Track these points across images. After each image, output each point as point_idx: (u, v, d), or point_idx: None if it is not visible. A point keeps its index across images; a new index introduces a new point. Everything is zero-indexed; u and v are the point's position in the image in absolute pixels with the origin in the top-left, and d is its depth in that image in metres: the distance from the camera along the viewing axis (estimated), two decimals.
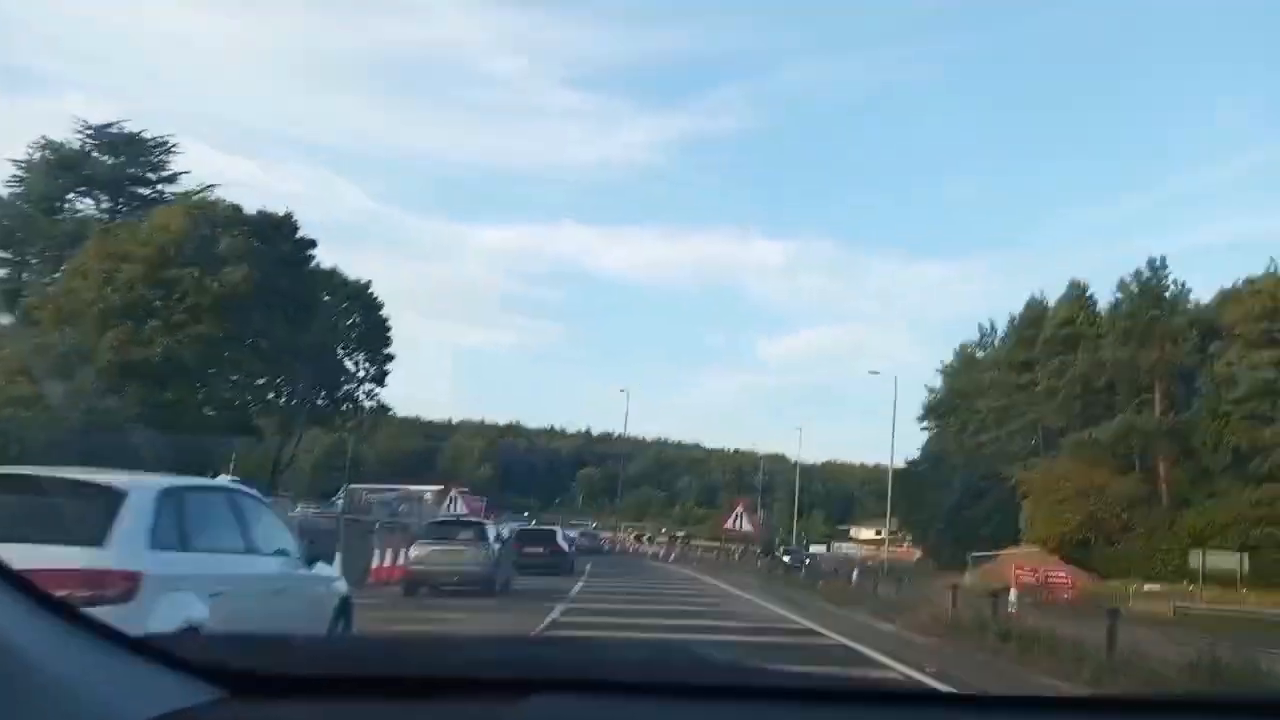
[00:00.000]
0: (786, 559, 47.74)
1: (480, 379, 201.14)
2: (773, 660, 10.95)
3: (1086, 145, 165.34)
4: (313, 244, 42.40)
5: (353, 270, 53.08)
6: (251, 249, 37.39)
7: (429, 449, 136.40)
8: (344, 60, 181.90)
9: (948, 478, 64.15)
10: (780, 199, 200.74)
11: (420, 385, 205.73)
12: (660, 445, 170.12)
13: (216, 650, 1.70)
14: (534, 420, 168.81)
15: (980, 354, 71.05)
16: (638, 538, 79.34)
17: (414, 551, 20.69)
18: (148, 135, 43.77)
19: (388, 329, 49.62)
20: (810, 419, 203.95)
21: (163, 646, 1.56)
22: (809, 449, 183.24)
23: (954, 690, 3.24)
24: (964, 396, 69.81)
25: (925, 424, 73.75)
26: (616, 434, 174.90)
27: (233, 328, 35.49)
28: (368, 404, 49.61)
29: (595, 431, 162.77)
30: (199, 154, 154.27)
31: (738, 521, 37.32)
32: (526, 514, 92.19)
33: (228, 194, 40.33)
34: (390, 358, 49.91)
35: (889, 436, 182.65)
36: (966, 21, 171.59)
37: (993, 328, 71.83)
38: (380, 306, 49.22)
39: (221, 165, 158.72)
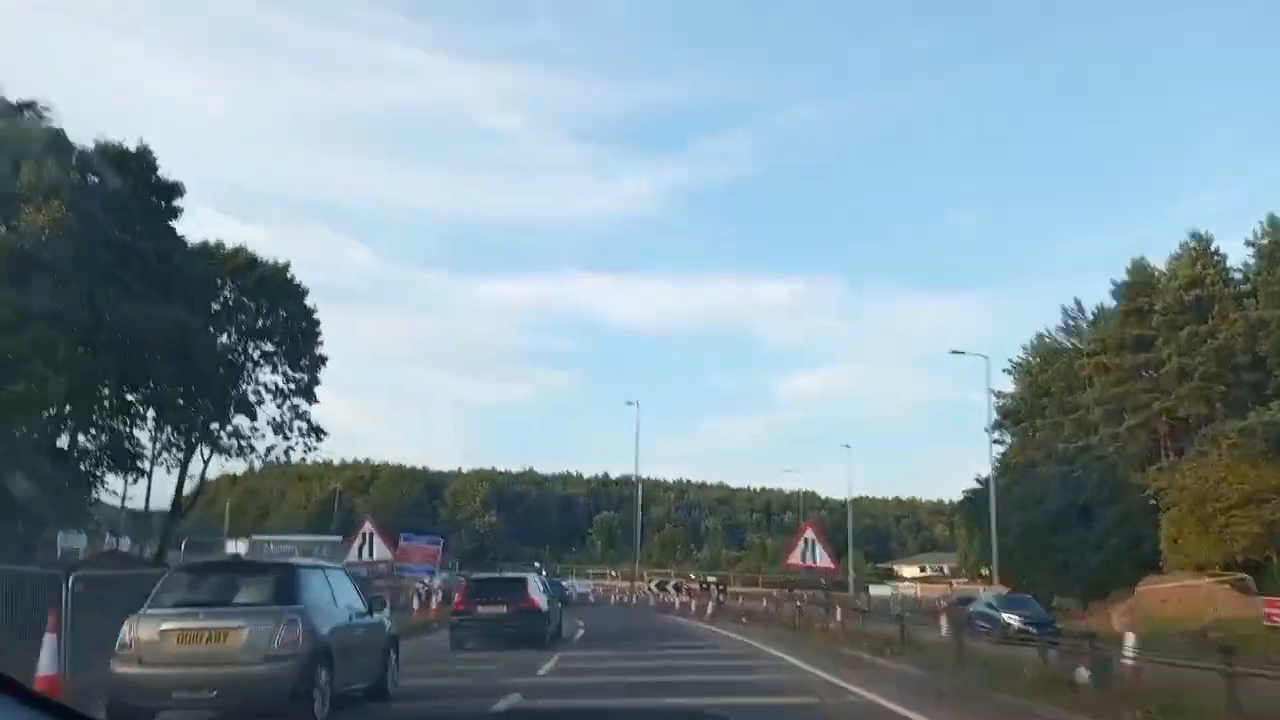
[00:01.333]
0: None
1: (492, 431, 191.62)
2: None
3: (1088, 175, 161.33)
4: (178, 191, 30.17)
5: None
6: (78, 186, 25.34)
7: (428, 498, 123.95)
8: (347, 122, 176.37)
9: (1038, 496, 51.15)
10: (784, 240, 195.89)
11: (429, 440, 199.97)
12: (681, 487, 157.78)
13: None
14: (547, 467, 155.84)
15: (1069, 341, 58.26)
16: (659, 586, 66.58)
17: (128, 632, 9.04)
18: None
19: (316, 326, 37.71)
20: (832, 455, 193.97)
21: None
22: (831, 485, 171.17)
23: None
24: (1051, 394, 56.93)
25: (999, 435, 60.18)
26: (632, 475, 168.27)
27: (43, 299, 23.35)
28: (294, 426, 37.19)
29: (613, 475, 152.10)
30: (206, 217, 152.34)
31: (809, 553, 23.93)
32: (537, 564, 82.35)
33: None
34: (322, 361, 37.94)
35: (922, 467, 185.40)
36: (961, 57, 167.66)
37: (1079, 307, 59.11)
38: (305, 294, 37.42)
39: (231, 229, 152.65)
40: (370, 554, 24.54)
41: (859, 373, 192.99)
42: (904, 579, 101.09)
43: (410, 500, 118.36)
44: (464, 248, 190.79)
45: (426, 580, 34.97)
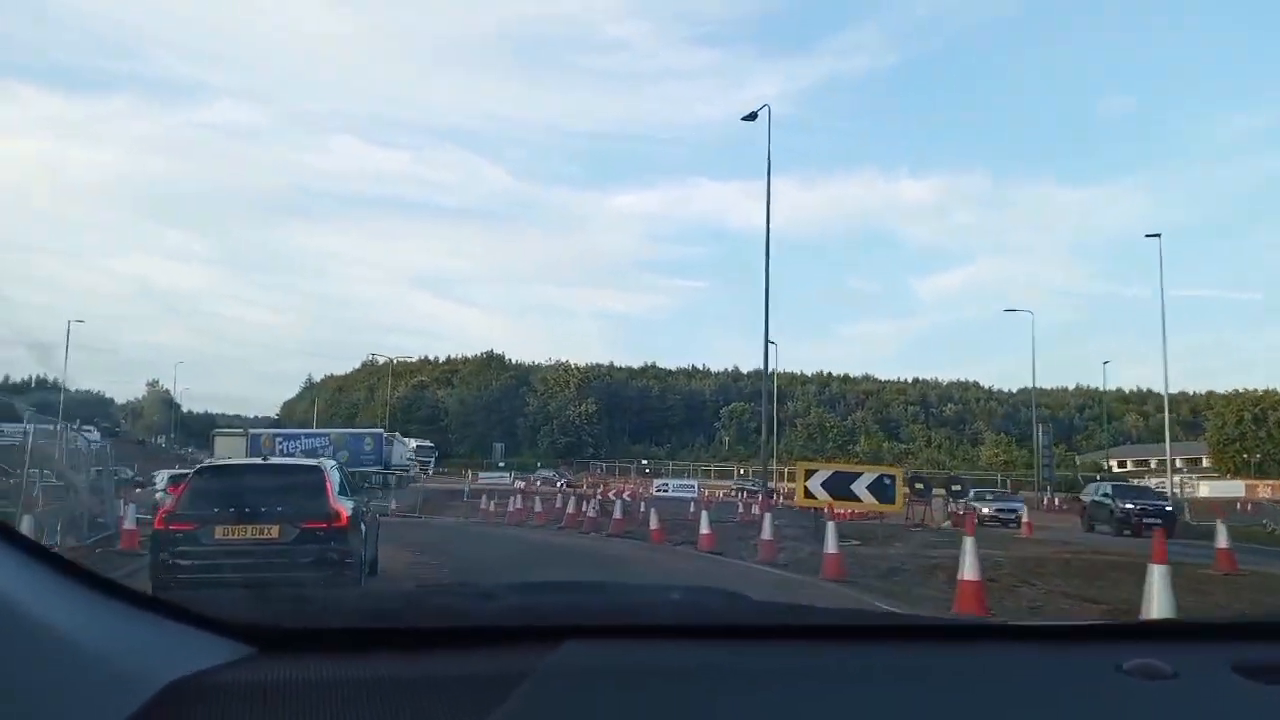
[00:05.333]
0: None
1: (622, 339, 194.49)
2: None
3: (1244, 50, 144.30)
4: None
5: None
6: None
7: (515, 387, 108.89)
8: (475, 43, 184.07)
9: None
10: (923, 134, 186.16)
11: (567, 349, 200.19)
12: (822, 379, 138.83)
13: (241, 607, 1.63)
14: (671, 362, 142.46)
15: None
16: (749, 494, 47.60)
17: None
18: None
19: None
20: (987, 347, 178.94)
21: (186, 605, 1.50)
22: (1000, 378, 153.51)
23: (1005, 622, 2.74)
24: None
25: None
26: (771, 369, 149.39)
27: None
28: None
29: (744, 369, 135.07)
30: (350, 147, 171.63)
31: None
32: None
33: None
34: None
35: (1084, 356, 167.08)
36: None
37: None
38: None
39: (376, 158, 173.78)
40: None
41: (1006, 268, 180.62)
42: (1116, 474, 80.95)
43: (498, 389, 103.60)
44: (593, 161, 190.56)
45: None
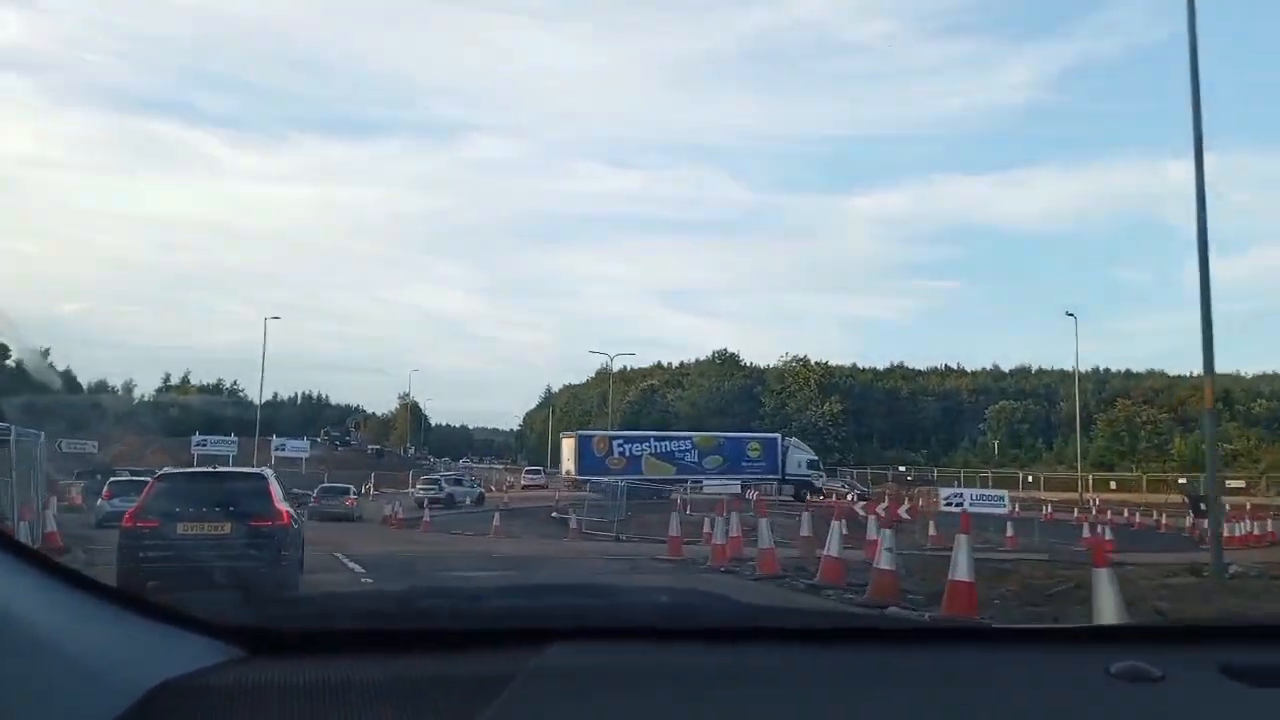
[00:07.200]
0: None
1: (865, 343, 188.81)
2: None
3: None
4: None
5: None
6: None
7: (749, 387, 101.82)
8: (713, 60, 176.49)
9: None
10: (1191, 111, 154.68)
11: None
12: (1099, 376, 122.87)
13: (229, 609, 1.64)
14: (921, 362, 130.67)
15: None
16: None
17: None
18: None
19: None
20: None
21: (175, 606, 1.52)
22: None
23: (992, 625, 2.50)
24: None
25: None
26: (1035, 367, 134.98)
27: None
28: None
29: (1005, 368, 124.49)
30: (596, 171, 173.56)
31: None
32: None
33: None
34: None
35: None
36: None
37: None
38: None
39: (614, 181, 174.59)
40: None
41: None
42: None
43: (731, 391, 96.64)
44: (833, 165, 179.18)
45: None
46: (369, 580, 14.17)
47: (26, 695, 1.15)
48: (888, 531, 11.97)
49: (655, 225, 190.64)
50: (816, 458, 58.18)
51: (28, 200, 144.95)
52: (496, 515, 29.98)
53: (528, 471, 71.51)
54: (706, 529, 23.39)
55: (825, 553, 12.01)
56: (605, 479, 49.62)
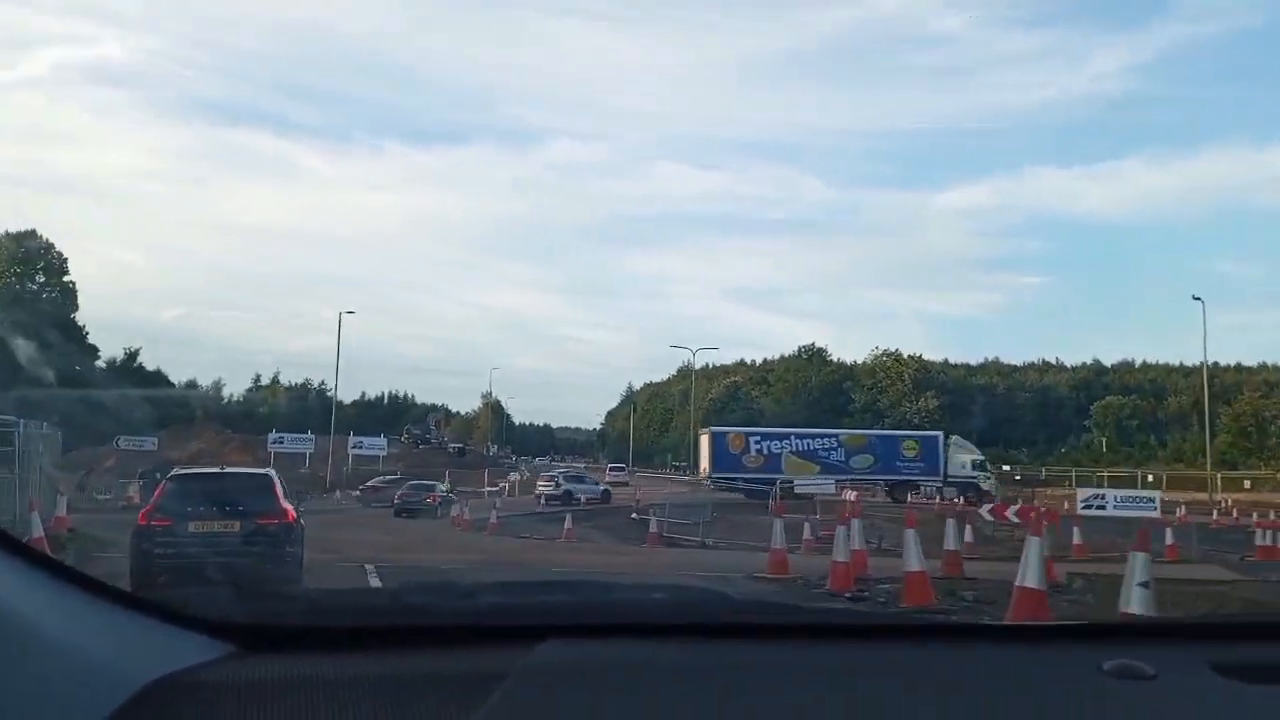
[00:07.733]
0: None
1: (952, 341, 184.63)
2: None
3: None
4: None
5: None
6: None
7: (837, 381, 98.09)
8: (793, 57, 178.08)
9: None
10: None
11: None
12: (1211, 370, 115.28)
13: (223, 605, 1.64)
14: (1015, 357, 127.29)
15: None
16: None
17: None
18: None
19: None
20: None
21: (167, 603, 1.52)
22: None
23: (986, 622, 2.93)
24: None
25: None
26: (1139, 361, 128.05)
27: None
28: None
29: (1106, 362, 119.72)
30: (675, 172, 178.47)
31: None
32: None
33: None
34: None
35: None
36: None
37: None
38: None
39: (694, 181, 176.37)
40: None
41: None
42: None
43: (818, 387, 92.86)
44: (916, 160, 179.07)
45: None
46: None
47: (20, 691, 1.15)
48: (1035, 540, 9.20)
49: (736, 224, 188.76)
50: (983, 458, 52.96)
51: (131, 211, 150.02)
52: (568, 517, 27.67)
53: (611, 469, 70.23)
54: (807, 535, 20.71)
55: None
56: (740, 477, 47.19)
